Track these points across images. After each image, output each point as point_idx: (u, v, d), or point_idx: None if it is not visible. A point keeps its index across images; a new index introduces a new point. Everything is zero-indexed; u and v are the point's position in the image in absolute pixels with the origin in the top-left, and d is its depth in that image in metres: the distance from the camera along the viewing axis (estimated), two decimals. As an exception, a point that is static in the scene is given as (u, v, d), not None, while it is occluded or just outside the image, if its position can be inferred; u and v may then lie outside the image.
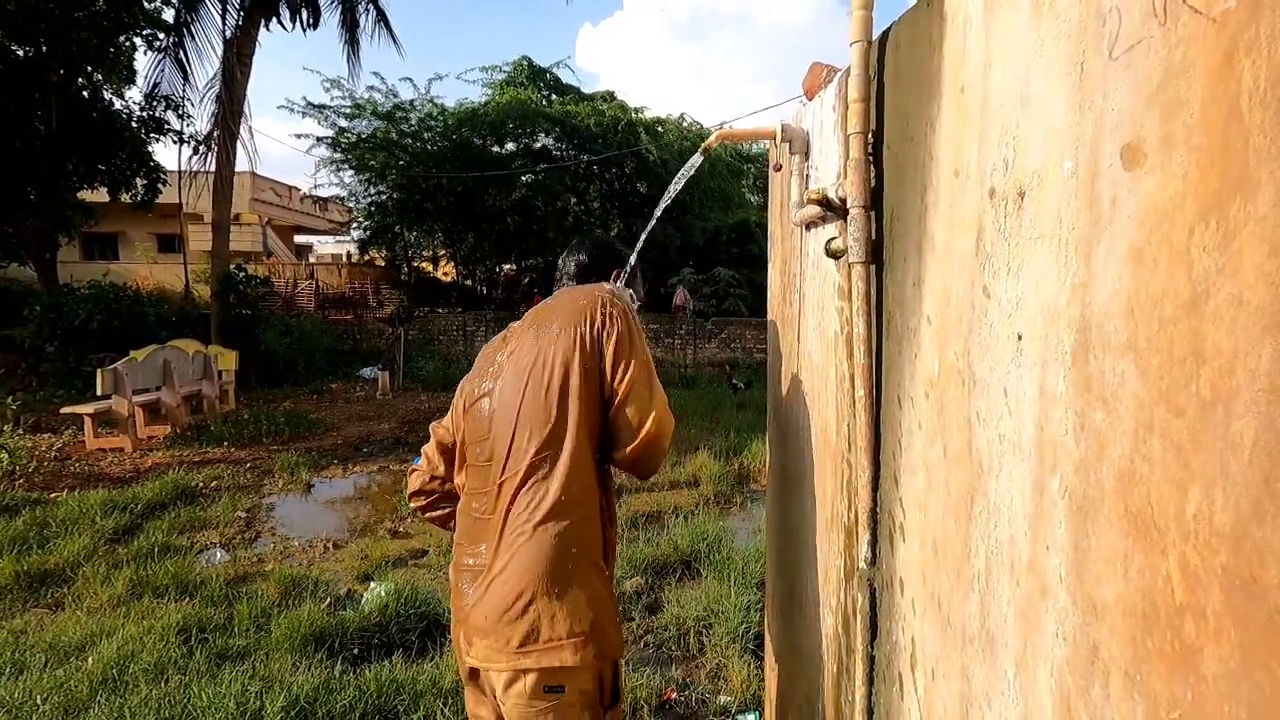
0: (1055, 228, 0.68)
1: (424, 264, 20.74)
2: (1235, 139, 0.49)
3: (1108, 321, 0.61)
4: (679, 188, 1.59)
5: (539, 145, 16.62)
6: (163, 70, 11.93)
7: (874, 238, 1.10)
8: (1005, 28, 0.77)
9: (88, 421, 6.91)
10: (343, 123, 15.88)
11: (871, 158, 1.10)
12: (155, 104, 12.40)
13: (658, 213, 1.60)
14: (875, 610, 1.13)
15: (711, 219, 16.67)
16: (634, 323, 1.38)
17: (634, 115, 16.18)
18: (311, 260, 26.30)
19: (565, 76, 17.54)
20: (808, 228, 1.45)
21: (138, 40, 12.20)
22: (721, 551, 4.04)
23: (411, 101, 16.13)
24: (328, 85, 15.45)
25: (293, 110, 15.87)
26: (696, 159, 1.48)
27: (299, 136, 36.39)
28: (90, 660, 2.86)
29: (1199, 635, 0.52)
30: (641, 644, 3.24)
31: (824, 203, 1.20)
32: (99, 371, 6.88)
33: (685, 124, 16.94)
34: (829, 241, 1.21)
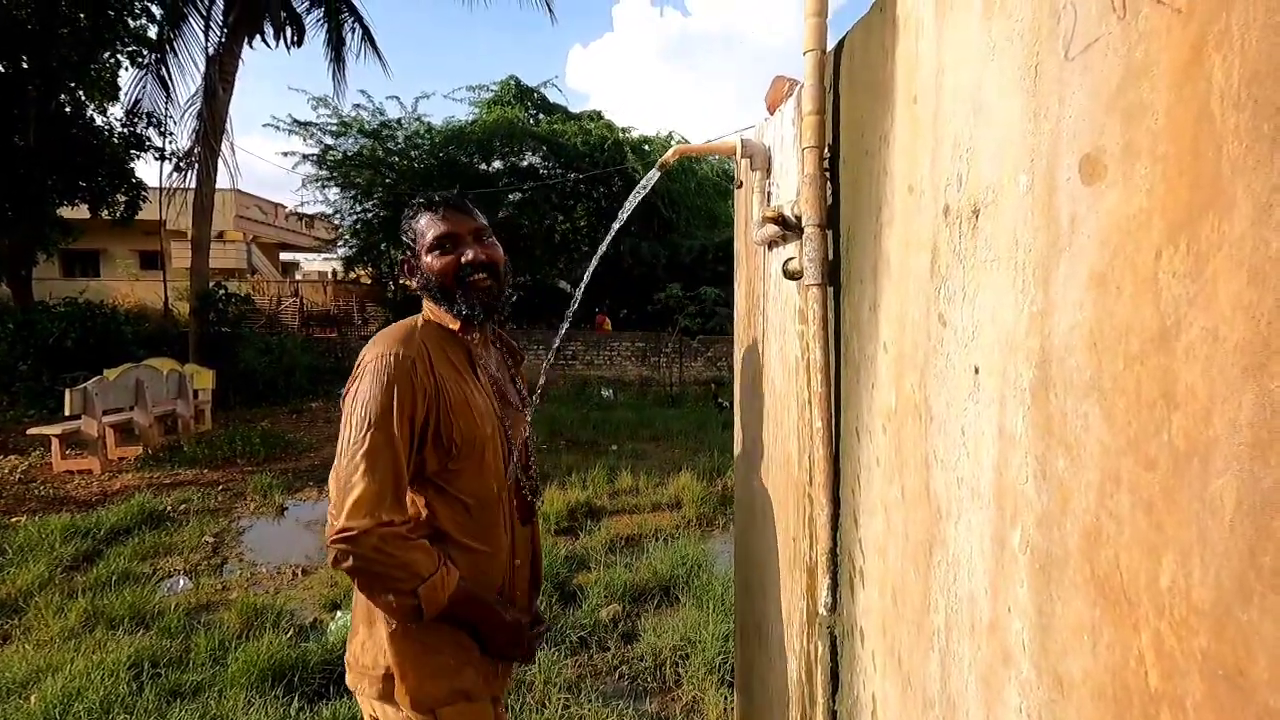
0: (1011, 249, 0.61)
1: (410, 282, 20.62)
2: (1206, 146, 0.42)
3: (1069, 355, 0.54)
4: (635, 202, 1.52)
5: (526, 164, 16.65)
6: (145, 87, 11.83)
7: (831, 258, 1.03)
8: (957, 30, 0.70)
9: (55, 443, 6.71)
10: (329, 140, 15.84)
11: (828, 173, 1.04)
12: (137, 120, 12.29)
13: (615, 227, 1.53)
14: (836, 661, 1.04)
15: (698, 237, 16.71)
16: (376, 368, 1.18)
17: (621, 134, 16.26)
18: (297, 278, 26.13)
19: (553, 96, 17.62)
20: (770, 247, 1.38)
21: (121, 56, 12.12)
22: (701, 577, 3.93)
23: (398, 119, 16.13)
24: (314, 103, 15.43)
25: (279, 128, 15.82)
26: (653, 175, 1.41)
27: (285, 154, 36.41)
28: (33, 699, 2.70)
29: (1177, 731, 0.44)
30: (616, 675, 3.12)
31: (781, 221, 1.13)
32: (67, 391, 6.70)
33: (673, 143, 17.02)
34: (786, 262, 1.14)
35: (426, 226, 1.34)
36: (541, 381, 1.81)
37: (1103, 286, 0.50)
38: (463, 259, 1.31)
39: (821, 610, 1.05)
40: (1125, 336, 0.48)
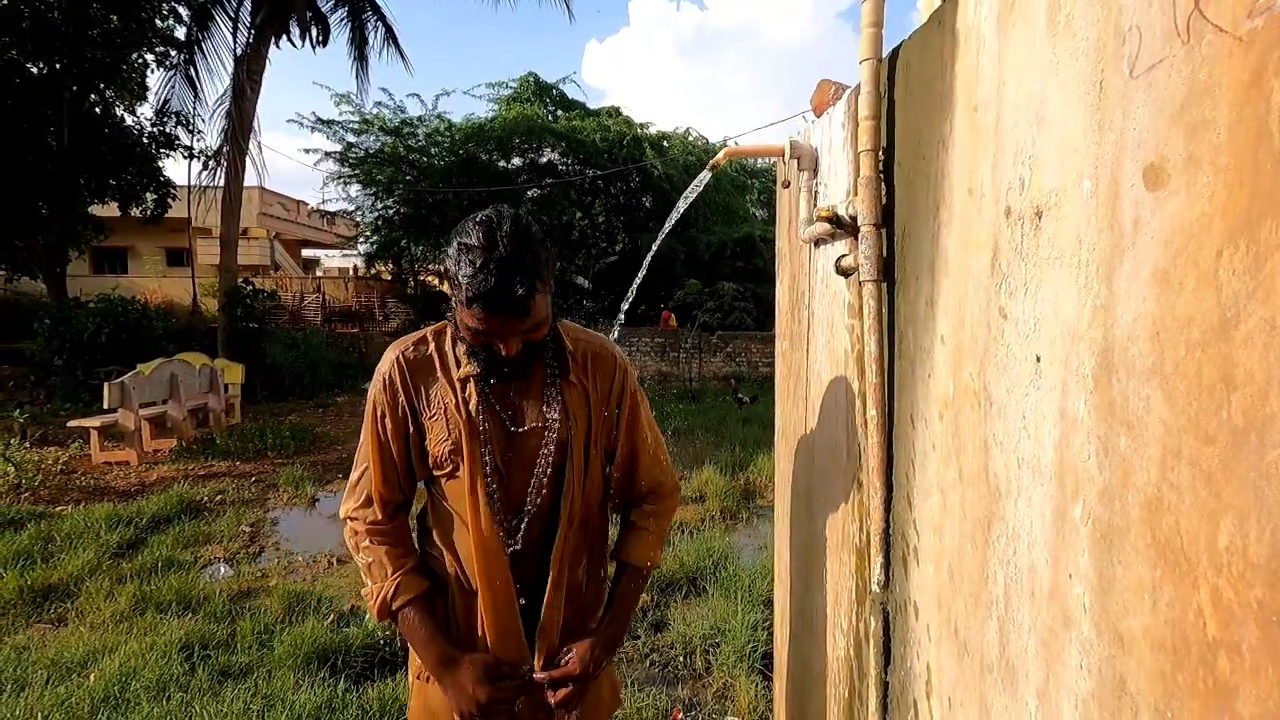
0: (1075, 248, 0.67)
1: (430, 278, 20.84)
2: (1265, 160, 0.48)
3: (1132, 345, 0.60)
4: (688, 204, 1.59)
5: (545, 160, 16.76)
6: (174, 87, 12.09)
7: (885, 255, 1.09)
8: (1019, 46, 0.76)
9: (94, 435, 6.92)
10: (351, 138, 16.05)
11: (882, 175, 1.10)
12: (166, 120, 12.56)
13: (664, 231, 1.60)
14: (889, 635, 1.11)
15: (717, 233, 16.73)
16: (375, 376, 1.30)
17: (639, 130, 16.30)
18: (318, 274, 26.46)
19: (571, 92, 17.73)
20: (816, 244, 1.44)
21: (149, 57, 12.37)
22: (728, 568, 3.99)
23: (419, 117, 16.30)
24: (337, 100, 15.64)
25: (302, 124, 16.05)
26: (704, 176, 1.47)
27: (307, 151, 36.92)
28: (92, 677, 2.83)
29: (1234, 672, 0.50)
30: (647, 663, 3.20)
31: (834, 220, 1.19)
32: (106, 385, 6.89)
33: (691, 139, 17.04)
34: (839, 259, 1.20)
35: (468, 318, 1.12)
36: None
37: (1165, 282, 0.56)
38: (497, 350, 1.16)
39: (874, 588, 1.11)
40: (1187, 327, 0.54)
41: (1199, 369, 0.53)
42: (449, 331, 1.27)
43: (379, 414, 1.28)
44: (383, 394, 1.27)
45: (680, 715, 2.75)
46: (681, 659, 3.19)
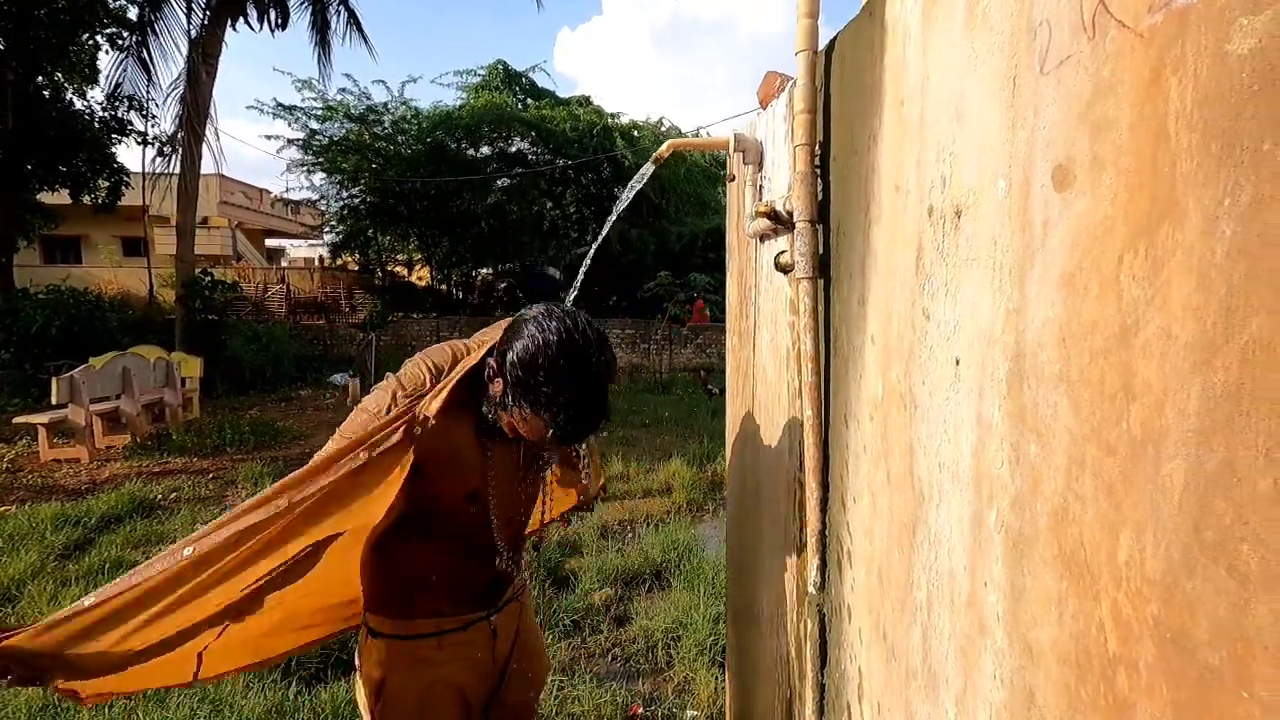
0: (990, 249, 0.65)
1: (398, 268, 20.50)
2: (1163, 162, 0.46)
3: (1041, 350, 0.58)
4: (634, 192, 1.55)
5: (514, 149, 16.56)
6: (125, 70, 11.64)
7: (821, 252, 1.07)
8: (941, 40, 0.74)
9: (42, 431, 6.67)
10: (314, 125, 15.67)
11: (819, 170, 1.07)
12: (118, 104, 12.11)
13: (610, 220, 1.56)
14: (825, 636, 1.09)
15: (688, 224, 16.72)
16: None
17: (610, 120, 16.19)
18: (283, 264, 25.86)
19: (542, 81, 17.51)
20: (762, 240, 1.42)
21: (100, 39, 11.90)
22: (692, 561, 4.00)
23: (385, 104, 15.97)
24: (299, 85, 15.23)
25: (263, 111, 15.63)
26: (648, 168, 1.44)
27: (269, 138, 36.00)
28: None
29: (1132, 689, 0.49)
30: (609, 657, 3.19)
31: (773, 215, 1.16)
32: (54, 379, 6.65)
33: (663, 129, 16.96)
34: (778, 255, 1.18)
35: (532, 433, 1.14)
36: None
37: (1071, 286, 0.54)
38: (542, 452, 1.31)
39: (811, 589, 1.10)
40: (1091, 333, 0.52)
41: (1102, 377, 0.51)
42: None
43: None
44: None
45: (640, 710, 2.74)
46: (643, 653, 3.19)
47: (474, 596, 1.39)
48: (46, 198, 12.57)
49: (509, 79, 16.77)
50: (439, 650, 1.32)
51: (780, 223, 1.17)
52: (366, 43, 13.41)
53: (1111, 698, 0.51)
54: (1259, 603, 0.39)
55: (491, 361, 1.15)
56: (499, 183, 16.26)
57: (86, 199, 12.56)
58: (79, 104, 12.33)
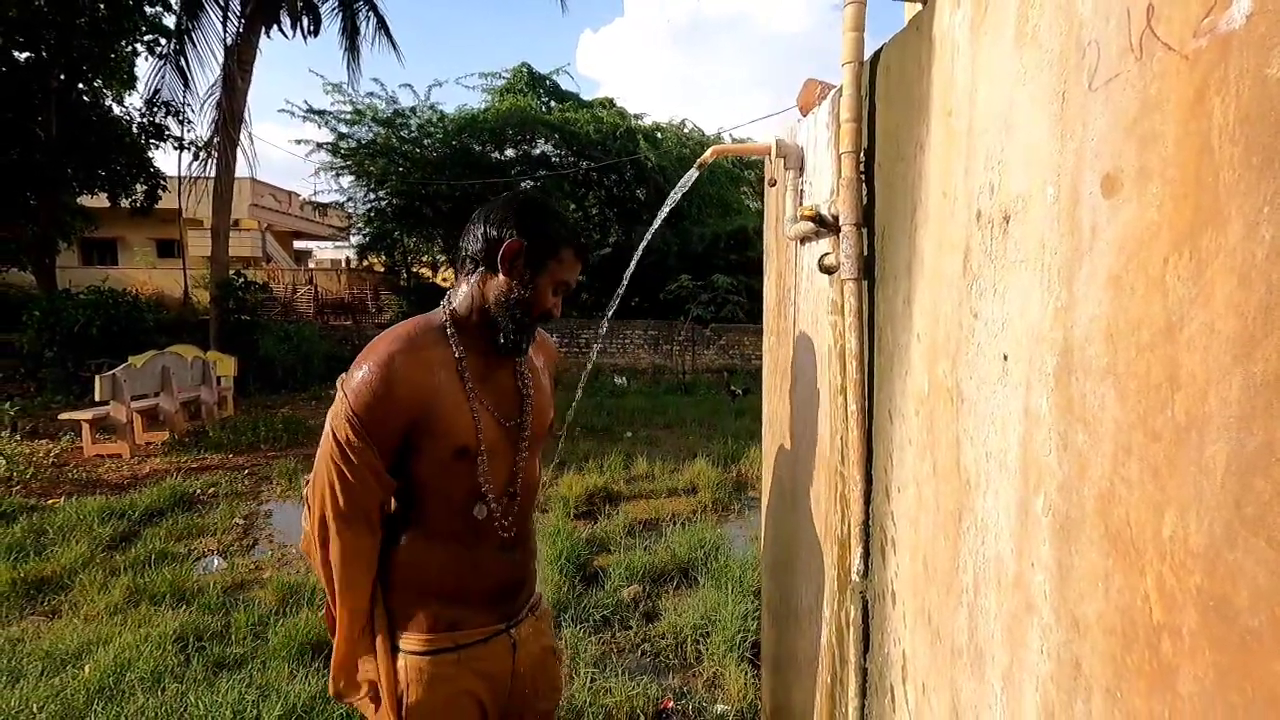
0: (1039, 252, 0.70)
1: (423, 270, 20.75)
2: (1207, 173, 0.50)
3: (1088, 345, 0.63)
4: (675, 200, 1.61)
5: (538, 152, 16.69)
6: (163, 76, 11.98)
7: (866, 254, 1.12)
8: (990, 55, 0.78)
9: (85, 427, 6.90)
10: (343, 128, 15.93)
11: (863, 175, 1.12)
12: (156, 110, 12.44)
13: (654, 226, 1.62)
14: (868, 623, 1.14)
15: (710, 225, 16.70)
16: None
17: (633, 122, 16.26)
18: (310, 266, 26.33)
19: (565, 83, 17.62)
20: (802, 242, 1.47)
21: (139, 46, 12.25)
22: (719, 559, 4.04)
23: (411, 108, 16.18)
24: (329, 89, 15.50)
25: (293, 114, 16.02)
26: (692, 174, 1.49)
27: (299, 142, 36.59)
28: (87, 669, 2.85)
29: (1175, 654, 0.54)
30: (639, 652, 3.24)
31: (817, 219, 1.21)
32: (97, 377, 6.87)
33: (685, 131, 17.00)
34: (822, 257, 1.23)
35: (565, 266, 1.27)
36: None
37: (1119, 286, 0.59)
38: (552, 308, 1.28)
39: (854, 577, 1.15)
40: (1137, 329, 0.57)
41: (1148, 369, 0.56)
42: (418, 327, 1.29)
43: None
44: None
45: (670, 704, 2.79)
46: (672, 649, 3.24)
47: (489, 600, 1.36)
48: (86, 201, 12.96)
49: (533, 82, 16.92)
50: (457, 665, 1.31)
51: (824, 226, 1.22)
52: (394, 47, 13.67)
53: (1156, 663, 0.55)
54: (1295, 569, 0.44)
55: (479, 250, 1.25)
56: (523, 184, 16.41)
57: (124, 202, 12.92)
58: (118, 110, 12.69)
